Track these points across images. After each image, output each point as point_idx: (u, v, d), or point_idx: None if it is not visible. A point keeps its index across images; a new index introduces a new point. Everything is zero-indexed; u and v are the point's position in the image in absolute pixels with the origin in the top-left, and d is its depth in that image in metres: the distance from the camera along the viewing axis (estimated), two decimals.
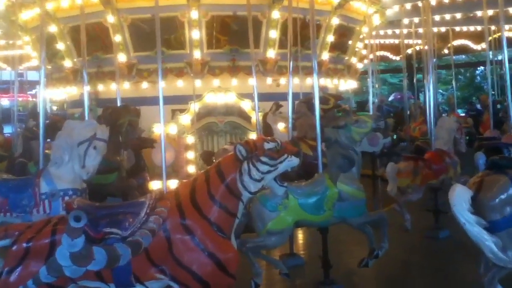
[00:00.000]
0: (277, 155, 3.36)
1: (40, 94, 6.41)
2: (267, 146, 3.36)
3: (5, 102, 30.78)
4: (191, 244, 3.21)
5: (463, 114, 17.42)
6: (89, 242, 3.08)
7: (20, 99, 11.62)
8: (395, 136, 12.91)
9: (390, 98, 29.85)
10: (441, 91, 28.37)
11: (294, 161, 3.42)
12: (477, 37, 15.58)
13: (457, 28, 14.95)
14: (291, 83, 7.85)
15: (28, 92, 32.13)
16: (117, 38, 9.59)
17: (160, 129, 4.66)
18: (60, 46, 10.52)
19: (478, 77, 33.20)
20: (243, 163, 3.31)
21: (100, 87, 9.97)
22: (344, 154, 4.92)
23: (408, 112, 14.00)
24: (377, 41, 16.45)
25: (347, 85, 12.59)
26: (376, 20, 12.55)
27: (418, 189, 6.85)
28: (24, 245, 3.15)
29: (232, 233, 3.40)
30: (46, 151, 5.55)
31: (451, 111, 14.60)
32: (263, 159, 3.32)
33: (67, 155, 4.52)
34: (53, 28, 10.28)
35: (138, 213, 3.24)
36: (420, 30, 12.82)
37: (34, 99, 34.19)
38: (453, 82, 17.30)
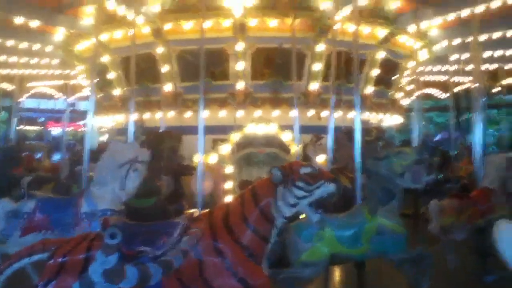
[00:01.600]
0: (313, 180, 3.32)
1: (89, 118, 6.68)
2: (304, 170, 3.33)
3: (57, 131, 32.39)
4: (222, 268, 3.18)
5: None
6: (122, 260, 3.11)
7: (70, 128, 12.28)
8: (440, 176, 12.44)
9: (437, 138, 29.04)
10: (491, 131, 27.34)
11: (330, 187, 3.36)
12: None
13: (508, 66, 14.43)
14: (333, 116, 7.86)
15: (79, 122, 33.55)
16: (165, 68, 9.93)
17: (199, 158, 4.71)
18: (111, 75, 10.99)
19: None
20: (278, 187, 3.28)
21: (146, 115, 10.27)
22: (384, 186, 4.80)
23: (455, 152, 13.52)
24: (423, 77, 16.21)
25: (392, 120, 12.38)
26: (423, 55, 12.37)
27: (463, 229, 6.51)
28: (60, 259, 3.21)
29: (264, 259, 3.34)
30: (90, 173, 5.73)
31: (502, 152, 13.97)
32: (299, 183, 3.28)
33: (109, 176, 4.65)
34: (105, 58, 10.78)
35: (172, 233, 3.26)
36: (469, 67, 12.52)
37: (84, 129, 35.84)
38: (504, 122, 16.58)
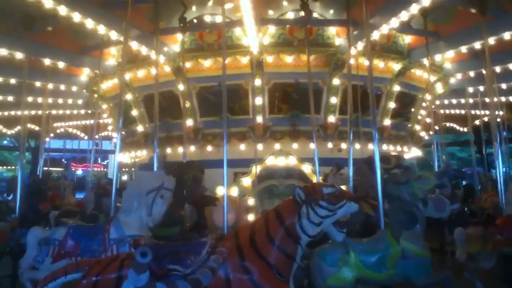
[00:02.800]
0: (336, 200, 3.40)
1: (116, 154, 6.92)
2: (326, 190, 3.42)
3: (79, 171, 33.01)
4: (250, 285, 3.24)
5: None
6: (153, 278, 3.20)
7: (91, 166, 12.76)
8: (465, 209, 12.23)
9: None
10: None
11: (353, 206, 3.44)
12: None
13: None
14: (352, 149, 7.93)
15: (101, 162, 34.14)
16: (186, 104, 10.22)
17: (223, 191, 4.83)
18: (134, 112, 11.34)
19: None
20: (302, 206, 3.36)
21: (168, 150, 10.49)
22: (406, 210, 4.82)
23: (479, 187, 13.33)
24: (442, 110, 16.20)
25: (411, 153, 12.38)
26: (439, 88, 12.48)
27: (490, 256, 6.40)
28: (93, 278, 3.32)
29: (291, 278, 3.39)
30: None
31: None
32: (322, 203, 3.37)
33: (136, 203, 4.79)
34: (129, 97, 11.16)
35: (200, 252, 3.35)
36: (487, 100, 12.52)
37: (105, 169, 36.43)
38: None
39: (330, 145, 10.07)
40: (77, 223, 5.34)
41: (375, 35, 8.71)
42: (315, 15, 9.50)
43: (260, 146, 9.71)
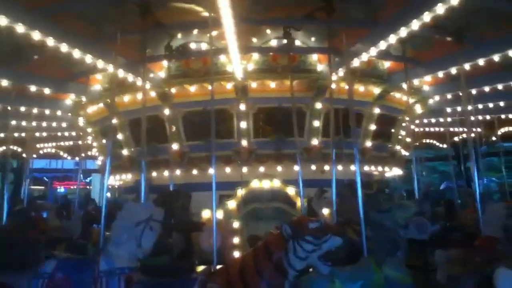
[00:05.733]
0: (322, 234, 3.56)
1: (106, 180, 7.00)
2: (312, 225, 3.58)
3: (61, 189, 32.66)
4: None
5: None
6: None
7: (74, 187, 12.78)
8: (447, 224, 12.51)
9: (442, 187, 29.13)
10: (494, 179, 27.44)
11: (337, 240, 3.60)
12: None
13: (504, 115, 14.90)
14: (335, 170, 8.15)
15: (84, 180, 33.86)
16: (171, 129, 10.33)
17: (211, 214, 4.94)
18: (120, 136, 11.39)
19: None
20: (288, 241, 3.51)
21: (154, 173, 10.55)
22: (389, 237, 4.99)
23: (459, 201, 13.68)
24: (422, 128, 16.71)
25: (392, 172, 12.66)
26: (418, 109, 12.85)
27: (471, 278, 6.60)
28: None
29: None
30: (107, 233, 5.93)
31: (503, 199, 14.12)
32: (308, 238, 3.53)
33: (125, 235, 4.86)
34: (114, 121, 11.21)
35: None
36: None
37: (88, 187, 36.10)
38: (503, 170, 16.84)
39: (313, 167, 10.25)
40: (66, 255, 5.36)
41: (356, 62, 8.99)
42: (297, 42, 9.79)
43: (245, 169, 9.85)
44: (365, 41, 8.34)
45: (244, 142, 10.06)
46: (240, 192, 9.45)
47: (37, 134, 15.50)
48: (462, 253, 6.72)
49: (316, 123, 10.37)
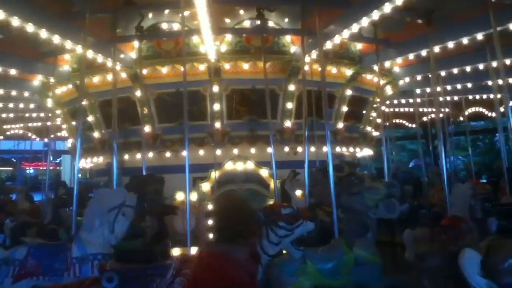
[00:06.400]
0: (294, 220, 3.63)
1: (77, 164, 6.90)
2: (284, 211, 3.65)
3: (30, 170, 31.97)
4: None
5: (485, 181, 17.33)
6: None
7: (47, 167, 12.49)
8: (415, 203, 12.90)
9: (411, 165, 29.85)
10: (461, 157, 28.27)
11: (309, 225, 3.68)
12: (491, 104, 15.93)
13: (471, 96, 15.33)
14: (307, 152, 8.26)
15: (54, 161, 33.19)
16: (143, 111, 10.20)
17: (184, 197, 4.96)
18: (90, 118, 11.18)
19: (497, 143, 33.08)
20: (261, 227, 3.57)
21: (126, 156, 10.44)
22: (359, 219, 5.13)
23: (427, 179, 14.10)
24: (392, 109, 17.05)
25: (363, 152, 12.88)
26: (389, 90, 13.05)
27: (437, 256, 6.86)
28: None
29: None
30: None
31: (469, 178, 14.63)
32: (281, 223, 3.60)
33: (98, 221, 4.84)
34: (84, 102, 10.97)
35: (165, 275, 3.49)
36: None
37: (58, 168, 35.48)
38: (469, 149, 17.41)
39: (286, 149, 10.34)
40: (37, 241, 5.30)
41: (328, 44, 9.02)
42: (271, 23, 9.73)
43: (219, 151, 9.85)
44: (338, 23, 8.35)
45: (217, 124, 10.02)
46: (214, 174, 9.49)
47: (4, 115, 15.12)
48: (429, 232, 6.98)
49: (289, 105, 10.41)
